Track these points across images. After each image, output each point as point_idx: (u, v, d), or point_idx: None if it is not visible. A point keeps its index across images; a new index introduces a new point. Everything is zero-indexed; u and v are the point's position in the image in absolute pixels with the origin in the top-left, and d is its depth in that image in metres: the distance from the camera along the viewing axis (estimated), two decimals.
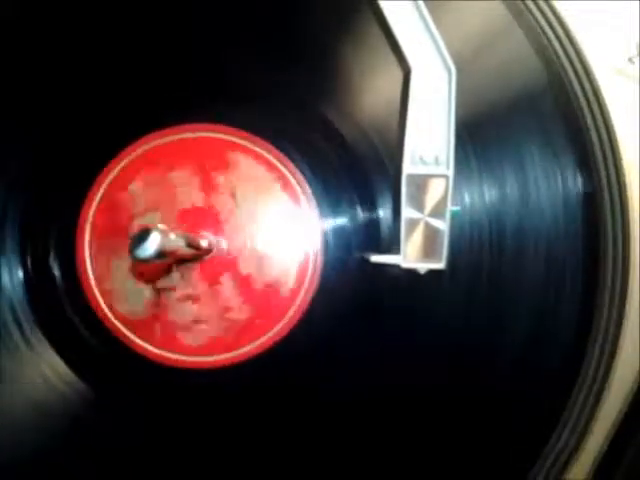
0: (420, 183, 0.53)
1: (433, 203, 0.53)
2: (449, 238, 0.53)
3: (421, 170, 0.53)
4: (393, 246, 0.55)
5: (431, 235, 0.53)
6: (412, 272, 0.55)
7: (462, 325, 0.57)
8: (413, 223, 0.53)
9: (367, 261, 0.56)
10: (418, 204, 0.53)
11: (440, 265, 0.54)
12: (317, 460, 0.59)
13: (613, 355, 0.56)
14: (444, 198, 0.53)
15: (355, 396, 0.58)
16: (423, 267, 0.54)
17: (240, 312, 0.58)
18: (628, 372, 0.56)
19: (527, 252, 0.56)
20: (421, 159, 0.53)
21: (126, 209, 0.60)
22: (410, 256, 0.54)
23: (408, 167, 0.53)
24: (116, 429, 0.61)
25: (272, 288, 0.58)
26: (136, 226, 0.59)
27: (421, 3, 0.54)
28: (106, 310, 0.60)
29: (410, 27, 0.54)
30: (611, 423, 0.57)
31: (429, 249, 0.54)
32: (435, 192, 0.53)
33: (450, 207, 0.53)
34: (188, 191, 0.59)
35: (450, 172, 0.53)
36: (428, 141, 0.53)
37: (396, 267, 0.54)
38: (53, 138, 0.62)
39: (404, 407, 0.58)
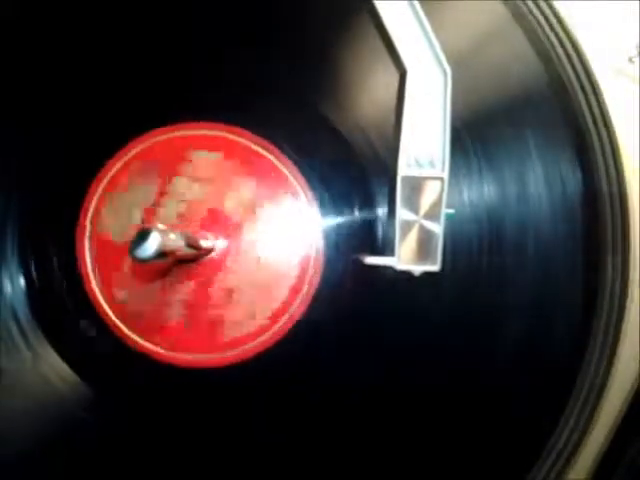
0: (415, 185, 0.53)
1: (428, 205, 0.54)
2: (445, 240, 0.54)
3: (416, 172, 0.53)
4: (388, 248, 0.56)
5: (426, 237, 0.54)
6: (410, 272, 0.56)
7: (461, 325, 0.58)
8: (408, 225, 0.54)
9: (362, 262, 0.57)
10: (413, 206, 0.54)
11: (435, 267, 0.55)
12: (316, 460, 0.61)
13: (613, 355, 0.57)
14: (439, 200, 0.53)
15: (353, 398, 0.60)
16: (418, 269, 0.55)
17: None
18: (628, 372, 0.58)
19: (526, 251, 0.57)
20: (416, 161, 0.54)
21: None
22: (405, 258, 0.55)
23: (403, 169, 0.54)
24: (117, 429, 0.62)
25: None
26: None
27: (416, 3, 0.55)
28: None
29: (405, 28, 0.55)
30: (611, 423, 0.58)
31: (424, 251, 0.54)
32: (430, 194, 0.53)
33: (445, 210, 0.54)
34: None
35: (445, 174, 0.53)
36: (423, 143, 0.54)
37: (392, 268, 0.56)
38: (53, 138, 0.63)
39: (403, 407, 0.59)
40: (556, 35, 0.59)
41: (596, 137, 0.58)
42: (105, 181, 0.62)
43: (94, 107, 0.63)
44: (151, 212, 0.61)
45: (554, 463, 0.59)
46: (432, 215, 0.54)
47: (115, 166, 0.62)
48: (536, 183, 0.58)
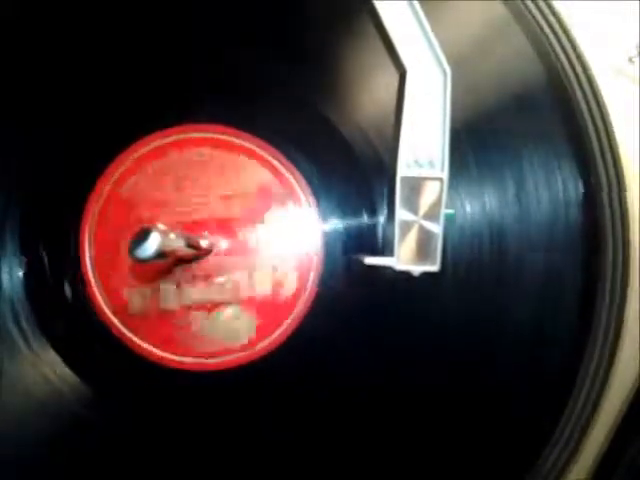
0: (415, 185, 0.54)
1: (427, 206, 0.54)
2: (444, 240, 0.55)
3: (416, 172, 0.54)
4: (387, 248, 0.57)
5: (425, 238, 0.54)
6: (410, 272, 0.56)
7: (462, 327, 0.58)
8: (407, 225, 0.54)
9: (362, 263, 0.57)
10: (412, 206, 0.54)
11: (434, 268, 0.55)
12: (317, 461, 0.61)
13: (613, 355, 0.58)
14: (439, 201, 0.54)
15: (354, 398, 0.60)
16: (417, 269, 0.55)
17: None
18: (628, 372, 0.58)
19: (526, 251, 0.57)
20: (416, 161, 0.54)
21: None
22: (404, 258, 0.55)
23: (402, 169, 0.54)
24: (116, 429, 0.62)
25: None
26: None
27: (416, 3, 0.55)
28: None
29: (405, 28, 0.55)
30: (611, 423, 0.58)
31: (423, 252, 0.54)
32: (430, 195, 0.54)
33: (444, 210, 0.54)
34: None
35: (444, 175, 0.53)
36: (423, 143, 0.54)
37: (391, 269, 0.56)
38: (53, 138, 0.63)
39: (403, 407, 0.60)
40: (555, 35, 0.59)
41: (595, 138, 0.58)
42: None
43: (95, 107, 0.63)
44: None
45: (554, 463, 0.59)
46: (431, 215, 0.54)
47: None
48: (535, 184, 0.58)
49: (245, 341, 0.60)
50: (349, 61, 0.62)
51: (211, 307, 0.60)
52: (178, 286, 0.61)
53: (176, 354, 0.61)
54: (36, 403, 0.62)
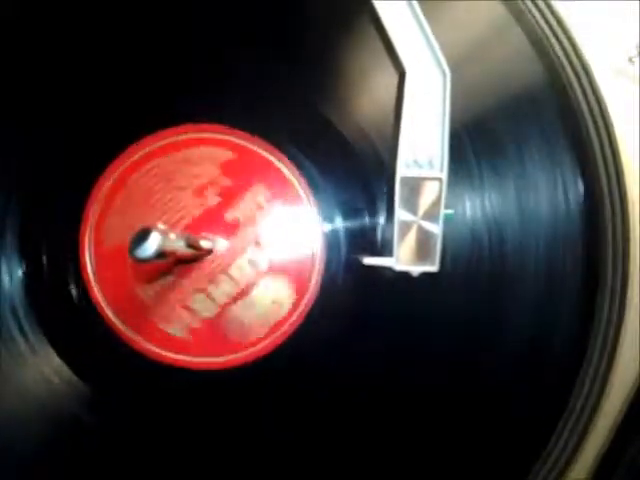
0: (414, 186, 0.54)
1: (427, 206, 0.54)
2: (444, 240, 0.55)
3: (415, 173, 0.54)
4: (387, 248, 0.57)
5: (424, 238, 0.55)
6: (409, 273, 0.56)
7: (461, 325, 0.59)
8: (407, 226, 0.55)
9: (361, 263, 0.57)
10: (412, 207, 0.54)
11: (434, 268, 0.55)
12: (317, 461, 0.61)
13: (613, 355, 0.58)
14: (438, 201, 0.54)
15: (354, 398, 0.60)
16: (416, 270, 0.55)
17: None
18: (628, 372, 0.58)
19: (526, 251, 0.58)
20: (415, 162, 0.54)
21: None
22: (403, 259, 0.55)
23: (402, 169, 0.54)
24: (116, 429, 0.62)
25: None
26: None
27: (416, 4, 0.56)
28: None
29: (404, 29, 0.56)
30: (611, 423, 0.58)
31: (422, 252, 0.55)
32: (429, 195, 0.54)
33: (444, 210, 0.54)
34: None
35: (444, 175, 0.54)
36: (422, 144, 0.55)
37: (391, 269, 0.56)
38: (53, 138, 0.63)
39: (403, 407, 0.60)
40: (555, 36, 0.59)
41: (596, 138, 0.58)
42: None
43: (94, 107, 0.63)
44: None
45: (554, 463, 0.59)
46: (431, 215, 0.55)
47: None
48: (536, 184, 0.58)
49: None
50: (349, 61, 0.62)
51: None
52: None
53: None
54: (36, 403, 0.62)
